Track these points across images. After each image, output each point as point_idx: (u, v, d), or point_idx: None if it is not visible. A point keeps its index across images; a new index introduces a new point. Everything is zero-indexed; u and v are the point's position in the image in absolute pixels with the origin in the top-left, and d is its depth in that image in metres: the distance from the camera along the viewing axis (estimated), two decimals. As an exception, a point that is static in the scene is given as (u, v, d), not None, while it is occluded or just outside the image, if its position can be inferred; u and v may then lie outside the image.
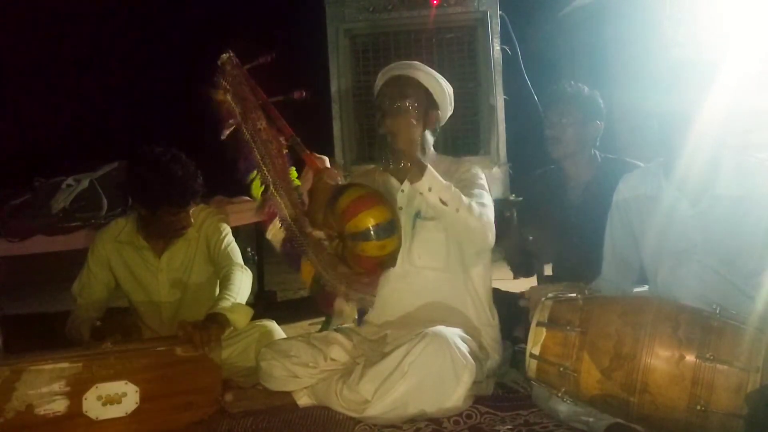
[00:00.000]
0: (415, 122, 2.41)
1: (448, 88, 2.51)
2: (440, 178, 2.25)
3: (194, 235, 2.79)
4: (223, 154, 2.33)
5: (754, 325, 1.69)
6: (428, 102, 2.45)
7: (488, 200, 2.37)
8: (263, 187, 2.37)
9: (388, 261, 2.23)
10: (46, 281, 5.49)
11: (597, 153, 2.89)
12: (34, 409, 2.06)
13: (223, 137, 2.26)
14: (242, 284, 2.61)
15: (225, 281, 2.63)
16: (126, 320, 2.59)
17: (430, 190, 2.21)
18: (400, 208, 2.37)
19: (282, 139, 2.31)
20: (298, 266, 2.37)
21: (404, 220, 2.37)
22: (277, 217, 2.37)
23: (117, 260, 2.78)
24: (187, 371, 2.26)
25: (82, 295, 2.75)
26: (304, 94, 2.37)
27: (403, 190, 2.42)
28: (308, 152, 2.36)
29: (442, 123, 2.55)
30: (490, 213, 2.32)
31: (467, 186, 2.36)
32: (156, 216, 2.66)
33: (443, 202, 2.21)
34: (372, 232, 2.13)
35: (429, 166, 2.24)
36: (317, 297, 2.43)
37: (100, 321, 2.58)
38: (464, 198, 2.26)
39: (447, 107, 2.52)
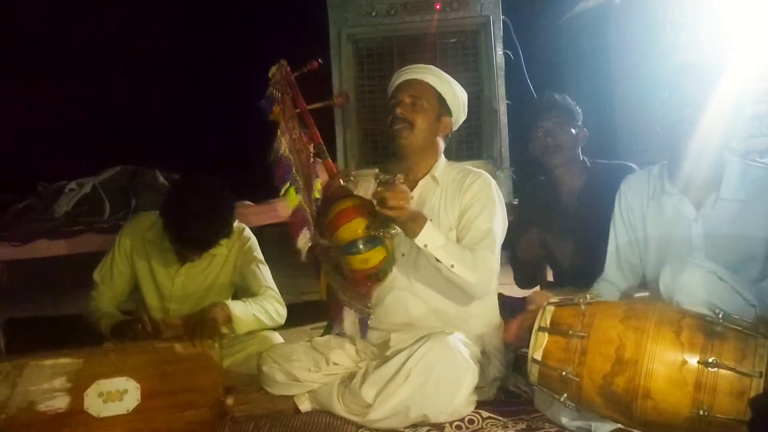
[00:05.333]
0: (427, 127, 2.39)
1: (463, 94, 2.48)
2: (438, 234, 2.17)
3: (222, 251, 2.77)
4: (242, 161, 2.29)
5: (757, 329, 1.69)
6: (441, 108, 2.42)
7: (495, 239, 2.30)
8: (299, 195, 2.34)
9: (376, 274, 2.20)
10: (49, 285, 5.49)
11: (585, 159, 2.92)
12: (36, 406, 2.07)
13: (271, 159, 2.23)
14: (268, 308, 2.60)
15: (255, 296, 2.63)
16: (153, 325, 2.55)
17: (426, 246, 2.15)
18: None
19: (311, 147, 2.29)
20: (318, 274, 2.36)
21: None
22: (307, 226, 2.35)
23: (140, 255, 2.76)
24: (187, 369, 2.26)
25: (104, 282, 2.73)
26: (347, 98, 2.32)
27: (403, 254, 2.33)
28: (330, 160, 2.34)
29: (455, 128, 2.53)
30: (490, 263, 2.25)
31: (472, 227, 2.31)
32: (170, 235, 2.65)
33: (438, 260, 2.17)
34: (352, 246, 2.10)
35: (428, 221, 2.16)
36: (329, 304, 2.42)
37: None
38: (459, 253, 2.19)
39: (460, 113, 2.49)
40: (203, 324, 2.30)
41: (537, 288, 3.08)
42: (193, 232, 2.52)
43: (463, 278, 2.19)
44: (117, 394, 2.15)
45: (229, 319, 2.42)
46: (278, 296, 2.72)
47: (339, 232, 2.11)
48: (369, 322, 2.45)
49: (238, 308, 2.49)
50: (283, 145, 2.18)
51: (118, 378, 2.16)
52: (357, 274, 2.19)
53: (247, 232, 2.85)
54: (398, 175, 2.12)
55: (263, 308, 2.59)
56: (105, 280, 2.73)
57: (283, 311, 2.68)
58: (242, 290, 2.79)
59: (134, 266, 2.76)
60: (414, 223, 2.15)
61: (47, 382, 2.09)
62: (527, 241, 2.84)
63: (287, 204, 2.31)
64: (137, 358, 2.20)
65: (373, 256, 2.14)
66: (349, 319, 2.43)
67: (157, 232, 2.74)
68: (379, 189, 2.09)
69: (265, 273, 2.77)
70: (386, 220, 2.09)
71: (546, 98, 2.95)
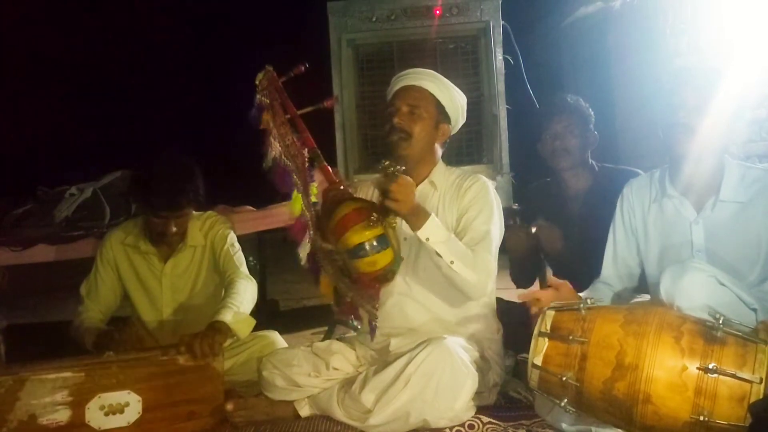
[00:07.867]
0: (424, 137, 2.37)
1: (461, 99, 2.46)
2: (441, 229, 2.17)
3: (201, 242, 2.78)
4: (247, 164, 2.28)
5: (757, 335, 1.69)
6: (439, 116, 2.40)
7: (492, 241, 2.30)
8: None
9: (383, 276, 2.19)
10: (49, 290, 5.49)
11: (593, 162, 2.91)
12: (37, 419, 2.07)
13: (266, 165, 2.24)
14: (246, 293, 2.57)
15: (229, 289, 2.60)
16: (133, 331, 2.55)
17: (427, 240, 2.15)
18: (405, 238, 2.32)
19: (305, 152, 2.30)
20: (317, 278, 2.36)
21: (410, 239, 2.31)
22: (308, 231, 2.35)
23: (124, 263, 2.76)
24: (189, 380, 2.25)
25: (89, 297, 2.72)
26: (335, 101, 2.32)
27: (406, 238, 2.33)
28: (326, 164, 2.34)
29: (454, 132, 2.51)
30: (488, 264, 2.25)
31: (470, 228, 2.31)
32: (147, 217, 2.67)
33: (439, 255, 2.16)
34: (359, 250, 2.09)
35: (432, 215, 2.16)
36: (340, 306, 2.41)
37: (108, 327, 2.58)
38: (461, 250, 2.19)
39: (459, 119, 2.47)
40: (207, 342, 2.28)
41: (535, 287, 3.07)
42: (160, 193, 2.54)
43: (462, 276, 2.18)
44: (118, 407, 2.15)
45: (230, 333, 2.40)
46: (248, 274, 2.72)
47: (345, 236, 2.10)
48: (374, 324, 2.45)
49: (235, 318, 2.44)
50: (276, 151, 2.18)
51: (119, 391, 2.16)
52: (365, 277, 2.18)
53: (223, 219, 2.87)
54: (402, 167, 2.12)
55: (245, 299, 2.55)
56: (91, 293, 2.73)
57: (254, 287, 2.66)
58: (221, 274, 2.79)
59: (120, 275, 2.77)
60: (417, 216, 2.14)
61: (48, 395, 2.08)
62: (512, 235, 2.82)
63: (292, 209, 2.31)
64: (139, 371, 2.20)
65: (381, 258, 2.13)
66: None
67: (135, 238, 2.76)
68: (383, 180, 2.09)
69: (237, 256, 2.77)
70: (388, 211, 2.09)
71: (558, 100, 2.92)
